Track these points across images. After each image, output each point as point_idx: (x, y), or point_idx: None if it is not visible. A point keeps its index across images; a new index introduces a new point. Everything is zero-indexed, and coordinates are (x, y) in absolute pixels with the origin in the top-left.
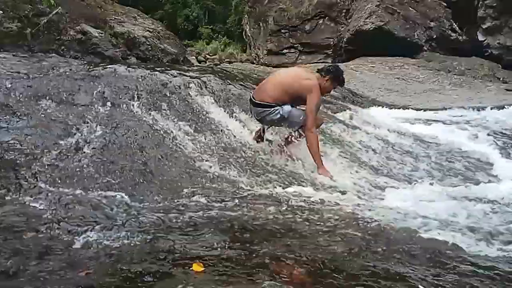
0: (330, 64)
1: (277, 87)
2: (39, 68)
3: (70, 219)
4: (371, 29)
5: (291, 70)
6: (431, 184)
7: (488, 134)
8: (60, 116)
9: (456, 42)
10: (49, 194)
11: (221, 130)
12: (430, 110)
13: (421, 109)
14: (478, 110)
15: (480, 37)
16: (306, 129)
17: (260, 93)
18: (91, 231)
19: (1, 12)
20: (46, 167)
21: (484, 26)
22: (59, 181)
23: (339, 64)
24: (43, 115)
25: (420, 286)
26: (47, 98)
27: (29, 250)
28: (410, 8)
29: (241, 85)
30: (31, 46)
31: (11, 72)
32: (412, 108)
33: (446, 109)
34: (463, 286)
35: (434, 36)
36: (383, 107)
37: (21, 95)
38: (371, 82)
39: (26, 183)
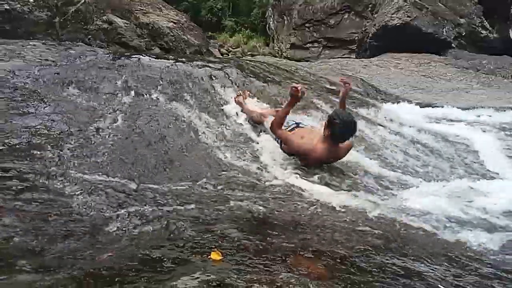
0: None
1: None
2: (66, 56)
3: (93, 204)
4: (398, 24)
5: None
6: (454, 183)
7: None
8: (85, 104)
9: (486, 40)
10: (73, 179)
11: (243, 122)
12: (456, 109)
13: (447, 108)
14: (505, 111)
15: None
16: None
17: None
18: (112, 216)
19: (32, 1)
20: (71, 152)
21: None
22: (82, 167)
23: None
24: (69, 102)
25: (440, 285)
26: (73, 85)
27: (54, 232)
28: (439, 4)
29: (263, 78)
30: (59, 35)
31: (40, 59)
32: (437, 107)
33: (472, 108)
34: None
35: (464, 33)
36: (408, 104)
37: (48, 82)
38: (396, 79)
39: (52, 167)
